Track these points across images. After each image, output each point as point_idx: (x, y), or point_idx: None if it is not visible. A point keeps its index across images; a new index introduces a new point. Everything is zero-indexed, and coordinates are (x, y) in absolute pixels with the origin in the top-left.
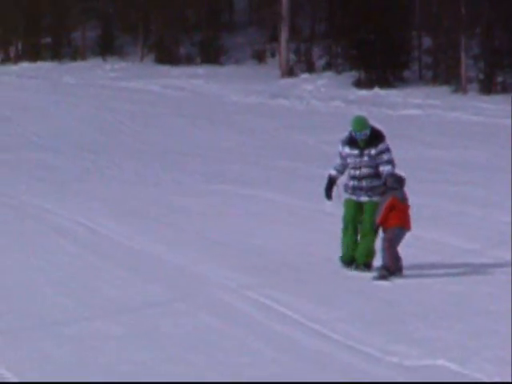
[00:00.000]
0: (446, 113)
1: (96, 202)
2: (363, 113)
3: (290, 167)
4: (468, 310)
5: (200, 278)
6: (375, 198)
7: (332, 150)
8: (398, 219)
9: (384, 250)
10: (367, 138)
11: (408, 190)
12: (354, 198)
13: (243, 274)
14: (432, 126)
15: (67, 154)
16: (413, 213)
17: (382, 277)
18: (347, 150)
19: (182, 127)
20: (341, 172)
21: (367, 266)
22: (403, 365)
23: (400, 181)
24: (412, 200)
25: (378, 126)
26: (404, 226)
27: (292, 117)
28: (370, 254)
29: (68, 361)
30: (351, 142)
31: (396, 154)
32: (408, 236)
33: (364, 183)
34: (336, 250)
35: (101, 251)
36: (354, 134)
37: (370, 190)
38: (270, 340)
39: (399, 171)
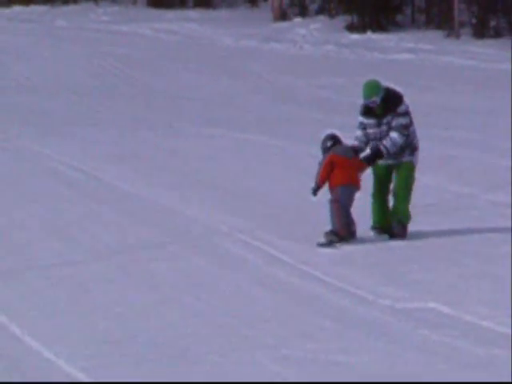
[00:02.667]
0: (438, 57)
1: (90, 146)
2: (355, 56)
3: (283, 111)
4: (463, 253)
5: (193, 221)
6: (405, 159)
7: (324, 93)
8: (340, 177)
9: (332, 213)
10: (383, 105)
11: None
12: (381, 161)
13: (236, 216)
14: (425, 71)
15: (60, 98)
16: None
17: (328, 243)
18: (365, 120)
19: (174, 71)
20: (364, 143)
21: (404, 229)
22: (395, 307)
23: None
24: None
25: (371, 69)
26: (349, 183)
27: (284, 61)
28: (406, 215)
29: (63, 302)
30: (367, 110)
31: None
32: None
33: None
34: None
35: (96, 195)
36: (364, 101)
37: (396, 154)
38: (264, 283)
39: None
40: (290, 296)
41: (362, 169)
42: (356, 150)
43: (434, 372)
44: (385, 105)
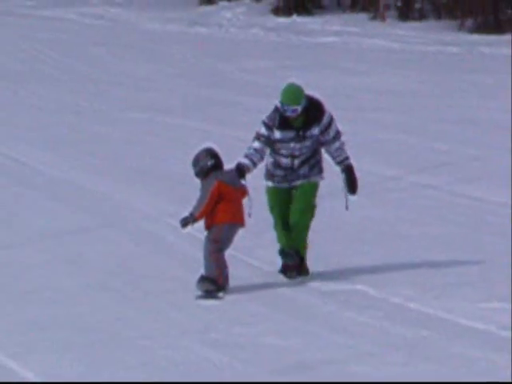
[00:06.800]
0: (364, 40)
1: (17, 131)
2: (281, 39)
3: (208, 95)
4: (387, 235)
5: (122, 206)
6: (312, 179)
7: (250, 77)
8: (227, 213)
9: (208, 255)
10: (306, 115)
11: None
12: (284, 185)
13: (164, 201)
14: (350, 53)
15: None
16: None
17: (207, 293)
18: (278, 134)
19: (100, 56)
20: (254, 162)
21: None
22: (321, 290)
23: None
24: None
25: (297, 53)
26: (235, 220)
27: (210, 45)
28: (304, 246)
29: None
30: (283, 122)
31: (315, 82)
32: (327, 163)
33: (301, 171)
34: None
35: (24, 180)
36: (282, 107)
37: (307, 173)
38: (192, 267)
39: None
40: None
41: (244, 197)
42: (243, 172)
43: (361, 354)
44: (308, 115)
